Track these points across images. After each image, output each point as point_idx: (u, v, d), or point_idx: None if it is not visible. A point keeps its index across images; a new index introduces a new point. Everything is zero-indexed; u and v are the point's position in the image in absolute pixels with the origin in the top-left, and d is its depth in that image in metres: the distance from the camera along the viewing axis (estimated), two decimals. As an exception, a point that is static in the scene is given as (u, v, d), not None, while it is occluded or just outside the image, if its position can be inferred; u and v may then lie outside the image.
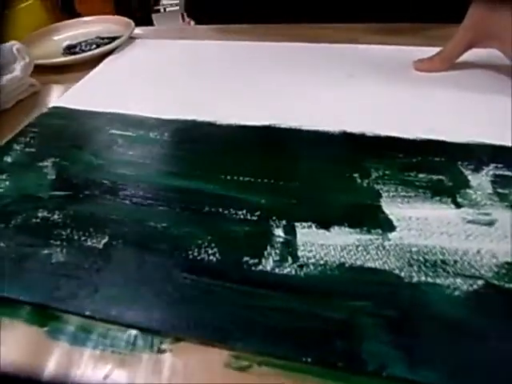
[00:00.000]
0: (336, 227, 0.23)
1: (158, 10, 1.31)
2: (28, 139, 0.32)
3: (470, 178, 0.25)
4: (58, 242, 0.23)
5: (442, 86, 0.34)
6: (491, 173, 0.26)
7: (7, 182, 0.28)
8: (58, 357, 0.19)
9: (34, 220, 0.25)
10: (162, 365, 0.18)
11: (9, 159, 0.30)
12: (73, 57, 0.43)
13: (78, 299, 0.20)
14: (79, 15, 0.78)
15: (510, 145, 0.27)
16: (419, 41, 0.40)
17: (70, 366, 0.18)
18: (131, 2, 1.46)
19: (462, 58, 0.35)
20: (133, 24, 0.48)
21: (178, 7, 1.29)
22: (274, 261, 0.21)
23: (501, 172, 0.26)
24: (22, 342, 0.20)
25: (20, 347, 0.19)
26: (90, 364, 0.18)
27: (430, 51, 0.36)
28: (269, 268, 0.21)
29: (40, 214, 0.25)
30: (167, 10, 1.33)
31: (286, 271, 0.21)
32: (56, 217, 0.25)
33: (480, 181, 0.25)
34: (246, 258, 0.21)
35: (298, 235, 0.22)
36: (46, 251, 0.23)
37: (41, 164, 0.29)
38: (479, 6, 0.33)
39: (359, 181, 0.26)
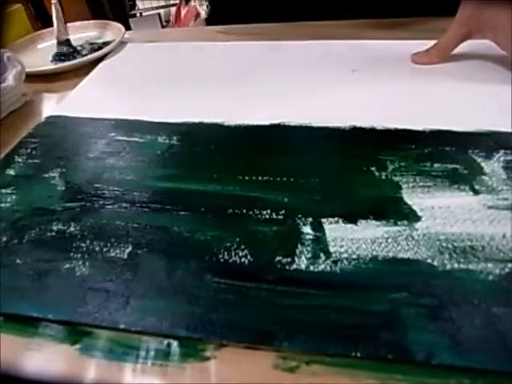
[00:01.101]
0: (363, 221, 0.23)
1: (134, 15, 1.29)
2: (29, 150, 0.30)
3: (483, 165, 0.26)
4: (79, 255, 0.22)
5: (443, 78, 0.35)
6: (502, 159, 0.26)
7: (14, 196, 0.26)
8: (96, 374, 0.18)
9: (49, 234, 0.24)
10: (209, 373, 0.18)
11: (12, 172, 0.28)
12: (65, 63, 0.42)
13: (108, 312, 0.20)
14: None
15: (515, 131, 0.28)
16: (418, 34, 0.40)
17: (109, 382, 0.18)
18: (105, 8, 1.44)
19: (458, 49, 0.36)
20: (123, 28, 0.46)
21: (154, 11, 1.28)
22: (307, 258, 0.21)
23: (511, 157, 0.26)
24: (53, 362, 0.19)
25: (52, 367, 0.18)
26: (131, 379, 0.18)
27: (428, 44, 0.37)
28: (303, 266, 0.21)
29: (55, 227, 0.24)
30: (143, 14, 1.31)
31: (320, 268, 0.20)
32: (72, 229, 0.24)
33: (493, 167, 0.26)
34: (278, 258, 0.21)
35: (327, 231, 0.22)
36: (67, 265, 0.22)
37: (47, 175, 0.28)
38: None
39: (377, 174, 0.26)
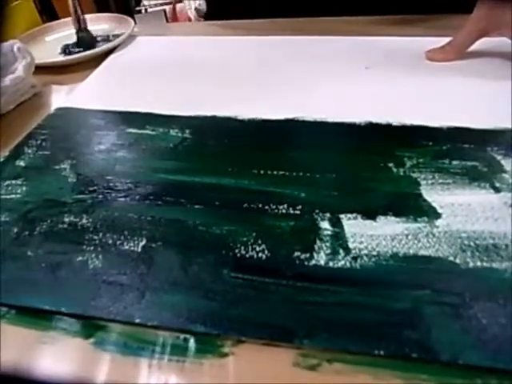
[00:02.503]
0: (382, 217, 0.22)
1: (140, 11, 1.28)
2: (39, 142, 0.30)
3: (503, 162, 0.26)
4: (92, 248, 0.22)
5: (458, 75, 0.34)
6: (522, 157, 0.26)
7: (24, 187, 0.26)
8: (111, 369, 0.17)
9: (60, 226, 0.23)
10: (227, 369, 0.17)
11: (22, 163, 0.28)
12: (75, 56, 0.41)
13: (123, 306, 0.19)
14: (58, 17, 0.75)
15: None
16: (431, 31, 0.40)
17: (124, 378, 0.17)
18: (110, 3, 1.43)
19: (474, 47, 0.36)
20: (133, 22, 0.46)
21: (159, 8, 1.27)
22: (326, 254, 0.20)
23: (531, 156, 0.26)
24: (67, 356, 0.18)
25: (66, 361, 0.18)
26: (147, 374, 0.17)
27: (442, 41, 0.37)
28: (322, 262, 0.20)
29: (67, 219, 0.23)
30: (149, 10, 1.30)
31: (340, 264, 0.20)
32: (84, 221, 0.23)
33: (513, 165, 0.25)
34: (296, 253, 0.21)
35: (346, 227, 0.22)
36: (80, 258, 0.21)
37: (58, 167, 0.27)
38: None
39: (395, 170, 0.25)
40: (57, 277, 0.20)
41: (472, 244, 0.21)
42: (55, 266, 0.21)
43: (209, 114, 0.31)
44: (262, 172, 0.26)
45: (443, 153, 0.27)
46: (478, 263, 0.20)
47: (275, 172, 0.26)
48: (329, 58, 0.39)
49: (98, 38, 0.46)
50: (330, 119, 0.30)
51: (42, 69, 0.40)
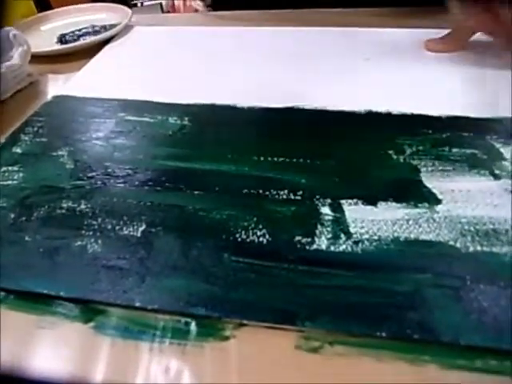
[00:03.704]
0: (382, 203, 0.22)
1: (136, 5, 1.27)
2: (36, 129, 0.29)
3: (502, 150, 0.26)
4: (91, 233, 0.21)
5: (457, 65, 0.34)
6: (521, 144, 0.26)
7: (21, 174, 0.26)
8: (111, 353, 0.17)
9: (59, 211, 0.23)
10: (228, 352, 0.17)
11: (18, 150, 0.28)
12: (72, 44, 0.41)
13: (123, 290, 0.19)
14: (52, 7, 0.74)
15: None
16: (431, 23, 0.40)
17: (126, 361, 0.17)
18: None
19: (473, 37, 0.36)
20: (130, 12, 0.45)
21: (155, 1, 1.26)
22: (328, 239, 0.20)
23: (530, 144, 0.26)
24: (66, 340, 0.18)
25: (65, 346, 0.18)
26: (148, 358, 0.17)
27: (441, 33, 0.37)
28: (324, 246, 0.20)
29: (65, 205, 0.23)
30: (145, 4, 1.30)
31: (341, 248, 0.20)
32: (83, 206, 0.23)
33: (512, 153, 0.26)
34: (298, 238, 0.20)
35: (347, 212, 0.22)
36: (78, 242, 0.21)
37: (55, 153, 0.27)
38: None
39: (395, 157, 0.25)
40: (55, 261, 0.20)
41: (472, 229, 0.21)
42: (53, 250, 0.21)
43: (208, 102, 0.31)
44: (262, 158, 0.26)
45: (443, 141, 0.27)
46: (478, 247, 0.20)
47: (275, 158, 0.25)
48: (329, 48, 0.38)
49: (95, 28, 0.45)
50: (330, 107, 0.30)
51: (38, 58, 0.40)
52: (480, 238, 0.20)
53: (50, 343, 0.18)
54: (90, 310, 0.19)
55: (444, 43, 0.36)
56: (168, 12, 1.33)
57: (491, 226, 0.21)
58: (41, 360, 0.17)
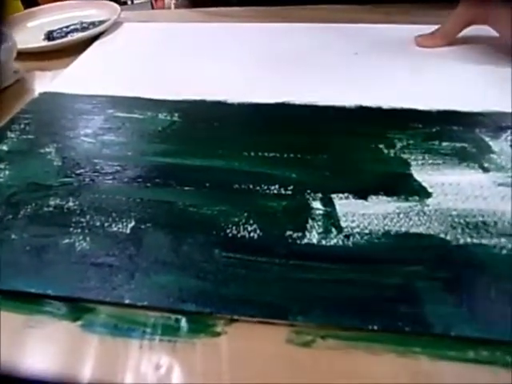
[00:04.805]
0: (373, 197, 0.22)
1: (125, 3, 1.26)
2: (23, 126, 0.29)
3: (491, 143, 0.26)
4: (79, 230, 0.21)
5: (446, 60, 0.34)
6: (510, 138, 0.26)
7: (7, 171, 0.25)
8: (100, 351, 0.17)
9: (46, 209, 0.22)
10: (220, 348, 0.17)
11: (5, 147, 0.27)
12: (59, 41, 0.40)
13: (112, 287, 0.19)
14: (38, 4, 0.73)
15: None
16: (420, 20, 0.40)
17: (115, 359, 0.17)
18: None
19: (462, 33, 0.36)
20: (119, 8, 0.45)
21: (145, -1, 1.25)
22: (319, 233, 0.20)
23: (519, 137, 0.26)
24: (54, 339, 0.18)
25: (54, 345, 0.17)
26: (138, 355, 0.17)
27: (432, 28, 0.37)
28: (315, 240, 0.20)
29: (52, 202, 0.23)
30: (135, 2, 1.28)
31: (332, 242, 0.20)
32: (71, 204, 0.23)
33: (501, 146, 0.26)
34: (289, 232, 0.20)
35: (337, 206, 0.22)
36: (66, 240, 0.21)
37: (42, 151, 0.27)
38: None
39: (386, 151, 0.25)
40: (43, 260, 0.20)
41: (462, 221, 0.21)
42: (41, 248, 0.20)
43: (198, 98, 0.31)
44: (252, 154, 0.25)
45: (433, 135, 0.27)
46: (469, 239, 0.20)
47: (266, 154, 0.25)
48: (317, 44, 0.38)
49: (84, 24, 0.44)
50: (321, 103, 0.30)
51: (25, 55, 0.39)
52: (470, 231, 0.20)
53: (38, 342, 0.18)
54: (78, 308, 0.18)
55: (433, 38, 0.36)
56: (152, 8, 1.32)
57: (481, 219, 0.21)
58: (30, 360, 0.17)
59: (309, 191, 0.23)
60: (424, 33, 0.37)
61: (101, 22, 0.44)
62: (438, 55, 0.35)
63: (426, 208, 0.22)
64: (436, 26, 0.37)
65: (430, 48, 0.36)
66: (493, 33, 0.35)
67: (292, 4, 0.46)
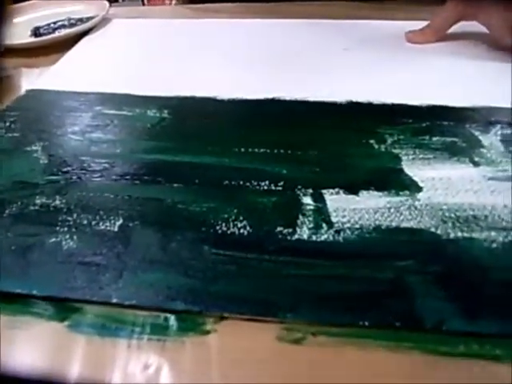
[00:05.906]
0: (364, 192, 0.22)
1: (117, 0, 1.25)
2: (8, 124, 0.28)
3: (481, 138, 0.26)
4: (66, 229, 0.21)
5: (436, 56, 0.34)
6: (499, 132, 0.26)
7: (-8, 170, 0.25)
8: (88, 351, 0.17)
9: (32, 207, 0.22)
10: (209, 346, 0.17)
11: (-11, 146, 0.27)
12: (47, 37, 0.39)
13: (99, 287, 0.18)
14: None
15: (510, 106, 0.28)
16: (410, 16, 0.40)
17: (103, 359, 0.16)
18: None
19: (452, 29, 0.36)
20: (107, 4, 0.44)
21: (136, -3, 1.24)
22: (309, 228, 0.20)
23: (508, 131, 0.26)
24: (41, 340, 0.17)
25: (40, 346, 0.17)
26: (127, 355, 0.16)
27: (422, 25, 0.37)
28: (305, 236, 0.20)
29: (38, 201, 0.22)
30: (125, -1, 1.27)
31: (323, 238, 0.20)
32: (57, 202, 0.22)
33: (491, 140, 0.26)
34: (279, 229, 0.20)
35: (328, 202, 0.22)
36: (53, 239, 0.20)
37: (28, 149, 0.26)
38: None
39: (376, 146, 0.25)
40: (28, 259, 0.19)
41: (453, 215, 0.21)
42: (26, 248, 0.20)
43: (187, 94, 0.31)
44: (242, 150, 0.25)
45: (423, 129, 0.27)
46: (459, 234, 0.20)
47: (256, 150, 0.25)
48: (308, 40, 0.38)
49: (72, 20, 0.44)
50: (311, 98, 0.30)
51: (11, 51, 0.39)
52: (460, 225, 0.20)
53: (25, 344, 0.17)
54: (65, 309, 0.18)
55: (423, 35, 0.36)
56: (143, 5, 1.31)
57: (471, 213, 0.21)
58: (17, 361, 0.17)
59: (299, 187, 0.22)
60: (414, 29, 0.37)
61: (89, 18, 0.43)
62: (428, 51, 0.35)
63: (416, 202, 0.22)
64: (427, 22, 0.37)
65: (421, 44, 0.36)
66: (482, 28, 0.35)
67: (283, 0, 0.46)
